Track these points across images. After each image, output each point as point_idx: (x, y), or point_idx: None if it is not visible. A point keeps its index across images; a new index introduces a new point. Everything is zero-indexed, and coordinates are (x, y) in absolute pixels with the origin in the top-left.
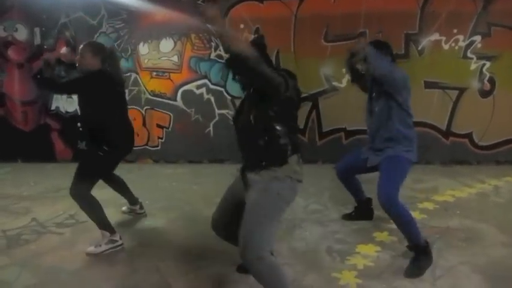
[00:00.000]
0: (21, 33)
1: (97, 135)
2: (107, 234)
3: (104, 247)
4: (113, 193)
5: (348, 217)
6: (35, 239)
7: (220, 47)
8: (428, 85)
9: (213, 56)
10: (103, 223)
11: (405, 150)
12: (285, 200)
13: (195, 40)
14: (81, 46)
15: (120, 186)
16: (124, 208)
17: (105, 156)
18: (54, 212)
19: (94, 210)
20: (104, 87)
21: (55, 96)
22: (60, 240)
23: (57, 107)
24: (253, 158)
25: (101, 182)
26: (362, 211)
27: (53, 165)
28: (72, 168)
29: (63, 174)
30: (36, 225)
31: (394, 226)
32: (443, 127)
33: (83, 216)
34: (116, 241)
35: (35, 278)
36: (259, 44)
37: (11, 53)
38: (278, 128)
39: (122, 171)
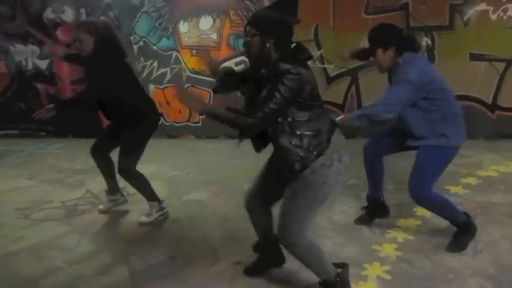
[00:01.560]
0: (68, 15)
1: (124, 113)
2: (155, 204)
3: (154, 215)
4: (158, 166)
5: (362, 221)
6: (91, 210)
7: None
8: (474, 57)
9: None
10: (151, 195)
11: (445, 137)
12: (330, 185)
13: (234, 17)
14: (76, 31)
15: (109, 170)
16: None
17: (139, 130)
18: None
19: (142, 183)
20: (117, 66)
21: None
22: (113, 211)
23: None
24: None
25: (145, 157)
26: (376, 210)
27: None
28: None
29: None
30: (90, 196)
31: None
32: (489, 101)
33: (132, 189)
34: (163, 208)
35: (93, 245)
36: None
37: (59, 33)
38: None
39: (166, 146)
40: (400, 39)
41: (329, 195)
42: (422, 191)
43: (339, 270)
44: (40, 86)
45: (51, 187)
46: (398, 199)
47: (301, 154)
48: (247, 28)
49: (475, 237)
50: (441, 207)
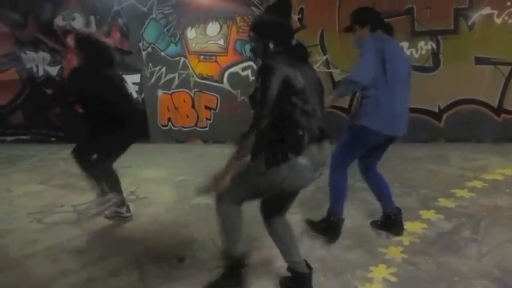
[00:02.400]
0: (78, 22)
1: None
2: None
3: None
4: (167, 171)
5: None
6: (102, 213)
7: None
8: (479, 61)
9: None
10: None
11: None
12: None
13: (240, 23)
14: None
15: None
16: (107, 212)
17: (118, 134)
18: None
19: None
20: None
21: None
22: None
23: None
24: None
25: (154, 161)
26: (388, 225)
27: None
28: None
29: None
30: (102, 200)
31: (441, 204)
32: (495, 104)
33: (142, 192)
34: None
35: (104, 248)
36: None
37: (69, 40)
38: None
39: (174, 150)
40: (376, 19)
41: (269, 189)
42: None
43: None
44: (51, 92)
45: (62, 191)
46: (405, 202)
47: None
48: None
49: (480, 240)
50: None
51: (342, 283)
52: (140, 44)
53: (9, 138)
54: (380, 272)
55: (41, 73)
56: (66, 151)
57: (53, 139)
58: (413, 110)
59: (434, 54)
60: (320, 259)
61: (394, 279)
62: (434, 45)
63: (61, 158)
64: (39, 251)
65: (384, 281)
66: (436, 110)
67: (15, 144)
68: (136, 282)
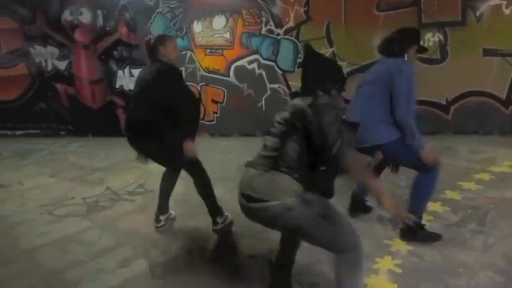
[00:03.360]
0: (86, 16)
1: None
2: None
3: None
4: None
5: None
6: (111, 206)
7: (271, 23)
8: (487, 52)
9: (263, 31)
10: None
11: None
12: None
13: (246, 16)
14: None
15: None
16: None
17: None
18: (125, 181)
19: None
20: None
21: (119, 74)
22: (133, 207)
23: (121, 85)
24: None
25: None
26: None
27: (118, 139)
28: None
29: (129, 148)
30: (110, 193)
31: (447, 197)
32: (503, 96)
33: (151, 185)
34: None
35: (113, 240)
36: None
37: (77, 35)
38: None
39: None
40: None
41: None
42: None
43: None
44: (59, 87)
45: (72, 184)
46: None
47: None
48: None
49: (486, 232)
50: None
51: None
52: (147, 38)
53: (19, 133)
54: (385, 264)
55: (49, 67)
56: (75, 144)
57: (62, 133)
58: (420, 102)
59: (442, 46)
60: (326, 252)
61: (399, 270)
62: (441, 37)
63: (70, 152)
64: (49, 243)
65: (389, 272)
66: (444, 102)
67: (25, 138)
68: (145, 273)
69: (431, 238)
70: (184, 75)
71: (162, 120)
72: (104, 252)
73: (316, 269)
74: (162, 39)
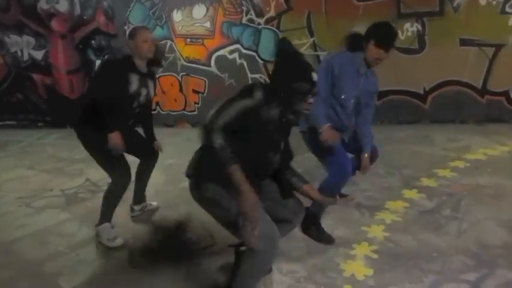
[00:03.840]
0: (62, 5)
1: None
2: None
3: None
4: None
5: None
6: (90, 197)
7: (252, 12)
8: (464, 42)
9: (244, 20)
10: None
11: None
12: None
13: (227, 5)
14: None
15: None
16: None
17: None
18: (105, 173)
19: None
20: None
21: (97, 64)
22: None
23: None
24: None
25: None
26: None
27: None
28: None
29: None
30: (90, 185)
31: (423, 184)
32: (479, 85)
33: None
34: None
35: (92, 231)
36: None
37: (54, 24)
38: None
39: (163, 135)
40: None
41: None
42: None
43: None
44: (36, 77)
45: (51, 176)
46: (389, 183)
47: None
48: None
49: (460, 218)
50: None
51: (325, 260)
52: (126, 27)
53: None
54: (362, 250)
55: (26, 57)
56: (53, 136)
57: (40, 124)
58: (398, 92)
59: (420, 36)
60: (305, 238)
61: (375, 256)
62: (420, 27)
63: (48, 143)
64: (28, 235)
65: (366, 258)
66: (421, 92)
67: (1, 129)
68: (124, 263)
69: (325, 240)
70: (165, 64)
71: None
72: (84, 244)
73: (294, 256)
74: (131, 33)
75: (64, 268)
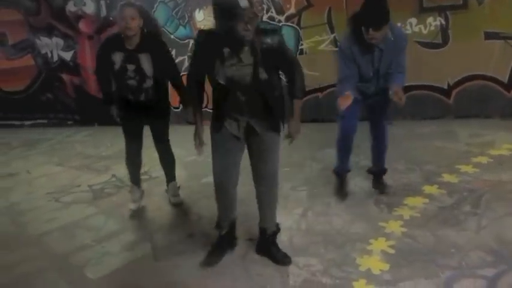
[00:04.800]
0: (89, 7)
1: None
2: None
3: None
4: (177, 151)
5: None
6: (116, 192)
7: (272, 10)
8: (489, 36)
9: (265, 18)
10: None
11: None
12: None
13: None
14: (126, 10)
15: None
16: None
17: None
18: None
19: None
20: None
21: None
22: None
23: None
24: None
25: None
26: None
27: None
28: None
29: None
30: (116, 180)
31: (444, 180)
32: (505, 79)
33: (155, 172)
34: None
35: (118, 225)
36: None
37: (81, 26)
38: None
39: (185, 131)
40: None
41: None
42: None
43: None
44: (65, 77)
45: (79, 172)
46: (409, 178)
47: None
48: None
49: (480, 214)
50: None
51: (342, 255)
52: None
53: (27, 123)
54: (379, 245)
55: (55, 58)
56: (82, 134)
57: (69, 122)
58: (422, 87)
59: (443, 30)
60: (322, 233)
61: (392, 251)
62: (443, 21)
63: (77, 141)
64: (57, 228)
65: (382, 253)
66: (445, 87)
67: (33, 128)
68: (148, 256)
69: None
70: (187, 64)
71: None
72: (109, 237)
73: (311, 250)
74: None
75: (90, 260)
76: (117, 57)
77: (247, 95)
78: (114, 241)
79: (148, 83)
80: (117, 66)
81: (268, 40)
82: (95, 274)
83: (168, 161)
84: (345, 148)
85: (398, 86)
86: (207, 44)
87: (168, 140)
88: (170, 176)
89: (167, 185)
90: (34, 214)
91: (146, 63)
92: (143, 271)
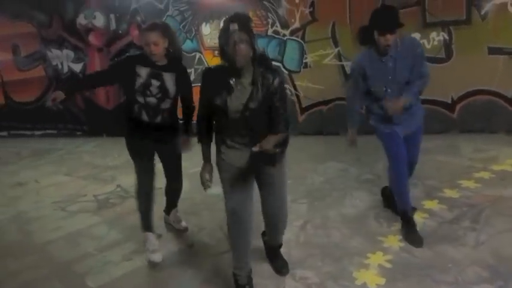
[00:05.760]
0: (99, 20)
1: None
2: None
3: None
4: (184, 164)
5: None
6: (120, 203)
7: (277, 24)
8: (493, 51)
9: (270, 32)
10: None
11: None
12: None
13: (253, 17)
14: (148, 34)
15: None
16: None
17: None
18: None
19: None
20: None
21: None
22: None
23: None
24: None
25: None
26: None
27: None
28: None
29: None
30: (120, 191)
31: (446, 195)
32: (509, 94)
33: (158, 183)
34: None
35: (121, 234)
36: None
37: (91, 38)
38: None
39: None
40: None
41: None
42: None
43: None
44: None
45: (85, 182)
46: (411, 193)
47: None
48: (241, 34)
49: (479, 229)
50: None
51: (339, 268)
52: None
53: (37, 133)
54: (376, 259)
55: (65, 70)
56: (90, 144)
57: (78, 133)
58: (426, 102)
59: (447, 45)
60: (320, 246)
61: (389, 265)
62: (446, 36)
63: (85, 151)
64: (61, 237)
65: (379, 267)
66: (449, 101)
67: (43, 138)
68: (147, 266)
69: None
70: (194, 76)
71: None
72: (111, 246)
73: (308, 263)
74: None
75: (92, 268)
76: (143, 71)
77: (247, 125)
78: (116, 250)
79: (167, 103)
80: (142, 79)
81: (270, 77)
82: (96, 283)
83: (176, 194)
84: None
85: (406, 97)
86: (212, 77)
87: (181, 175)
88: (174, 204)
89: (168, 213)
90: (40, 223)
91: (170, 82)
92: (141, 281)
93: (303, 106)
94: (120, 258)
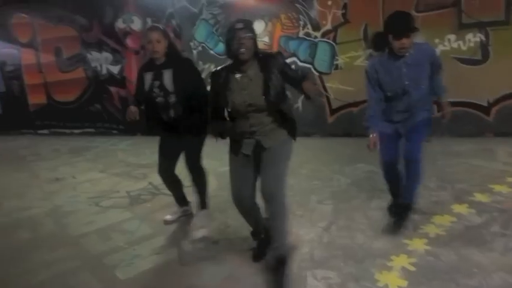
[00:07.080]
0: (136, 24)
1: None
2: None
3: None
4: (210, 162)
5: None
6: (151, 199)
7: (308, 26)
8: None
9: (301, 34)
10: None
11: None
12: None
13: (285, 20)
14: (151, 33)
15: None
16: (168, 217)
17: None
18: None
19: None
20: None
21: None
22: (170, 200)
23: None
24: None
25: (204, 153)
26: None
27: None
28: None
29: None
30: (152, 188)
31: (476, 199)
32: None
33: (187, 181)
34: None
35: (150, 229)
36: None
37: (129, 41)
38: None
39: (219, 143)
40: None
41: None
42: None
43: None
44: (113, 89)
45: (119, 179)
46: (439, 197)
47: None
48: (245, 31)
49: (509, 235)
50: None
51: (360, 270)
52: (191, 43)
53: (76, 131)
54: (400, 262)
55: (104, 71)
56: (125, 143)
57: (114, 132)
58: (461, 104)
59: (483, 47)
60: (343, 247)
61: (412, 268)
62: (483, 37)
63: (120, 149)
64: (94, 231)
65: (402, 270)
66: (485, 104)
67: (81, 136)
68: (175, 261)
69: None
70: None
71: None
72: (141, 241)
73: (330, 264)
74: None
75: (122, 261)
76: (148, 76)
77: (258, 115)
78: (145, 245)
79: (173, 98)
80: (147, 85)
81: (273, 58)
82: (125, 275)
83: (197, 187)
84: (390, 181)
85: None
86: (219, 76)
87: (199, 167)
88: (201, 202)
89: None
90: (75, 217)
91: (168, 78)
92: (168, 274)
93: (333, 108)
94: (149, 252)
